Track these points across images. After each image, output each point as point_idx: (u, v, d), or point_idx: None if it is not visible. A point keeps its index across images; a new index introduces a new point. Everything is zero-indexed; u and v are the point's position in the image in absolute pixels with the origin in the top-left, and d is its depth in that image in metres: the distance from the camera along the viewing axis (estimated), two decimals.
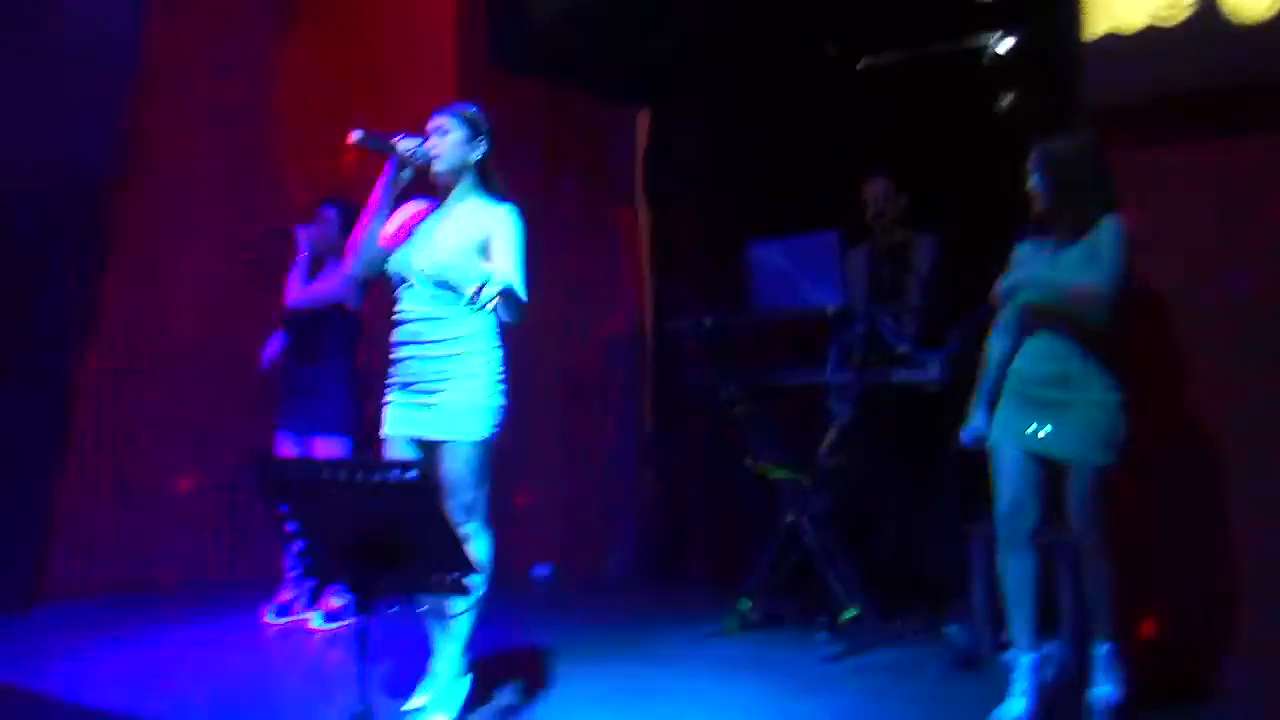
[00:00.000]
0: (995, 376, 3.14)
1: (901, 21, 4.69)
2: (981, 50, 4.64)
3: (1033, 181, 3.06)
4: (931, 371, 3.94)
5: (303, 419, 4.31)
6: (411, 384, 3.06)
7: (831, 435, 4.04)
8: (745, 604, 4.17)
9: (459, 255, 3.01)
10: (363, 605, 2.50)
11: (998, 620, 3.32)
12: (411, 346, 3.05)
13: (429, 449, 3.05)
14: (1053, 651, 3.28)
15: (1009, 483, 3.03)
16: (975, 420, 3.18)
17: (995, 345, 3.18)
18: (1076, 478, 2.97)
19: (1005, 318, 3.15)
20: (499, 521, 3.15)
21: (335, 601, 4.33)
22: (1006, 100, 4.57)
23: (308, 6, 5.43)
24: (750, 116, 5.28)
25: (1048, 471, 3.01)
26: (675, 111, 5.62)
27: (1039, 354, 3.02)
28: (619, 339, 5.69)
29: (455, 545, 2.52)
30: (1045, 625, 3.12)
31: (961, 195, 4.50)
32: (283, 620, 4.34)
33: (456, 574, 2.56)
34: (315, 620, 4.30)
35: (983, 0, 4.39)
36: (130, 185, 4.65)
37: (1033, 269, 3.05)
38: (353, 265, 3.14)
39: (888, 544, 4.40)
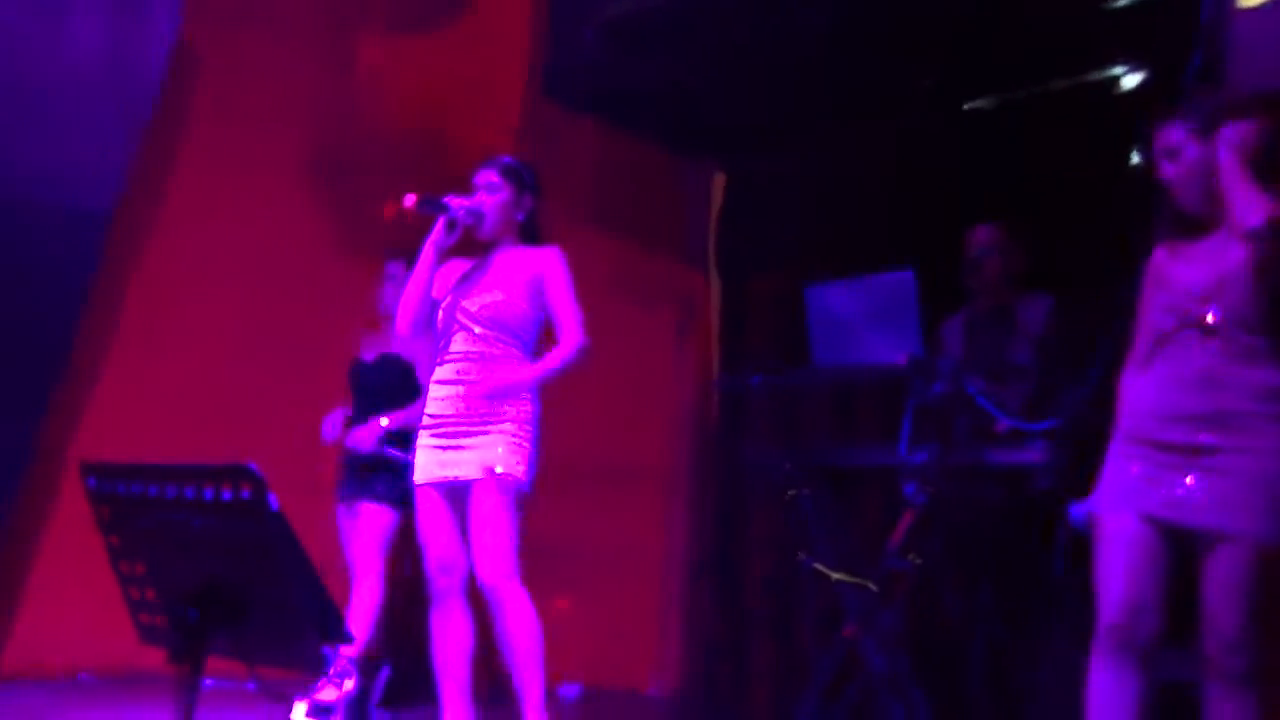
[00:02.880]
0: None
1: (1012, 57, 4.03)
2: (1107, 85, 3.90)
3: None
4: (1035, 452, 3.11)
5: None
6: (447, 426, 2.97)
7: (903, 528, 3.21)
8: None
9: (509, 294, 3.03)
10: (189, 671, 1.84)
11: None
12: (451, 386, 2.99)
13: (460, 496, 2.95)
14: None
15: (1118, 569, 2.19)
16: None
17: (1133, 384, 2.37)
18: (1224, 560, 2.10)
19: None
20: None
21: (328, 693, 3.64)
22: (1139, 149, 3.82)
23: (365, 49, 5.10)
24: (840, 177, 4.65)
25: (1177, 554, 2.16)
26: (754, 173, 5.04)
27: (1182, 383, 2.20)
28: (682, 419, 4.99)
29: (321, 599, 1.85)
30: None
31: (1083, 254, 3.71)
32: None
33: (321, 639, 1.88)
34: (298, 713, 3.59)
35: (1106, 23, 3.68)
36: (137, 222, 4.29)
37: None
38: (401, 325, 3.10)
39: (976, 674, 3.46)
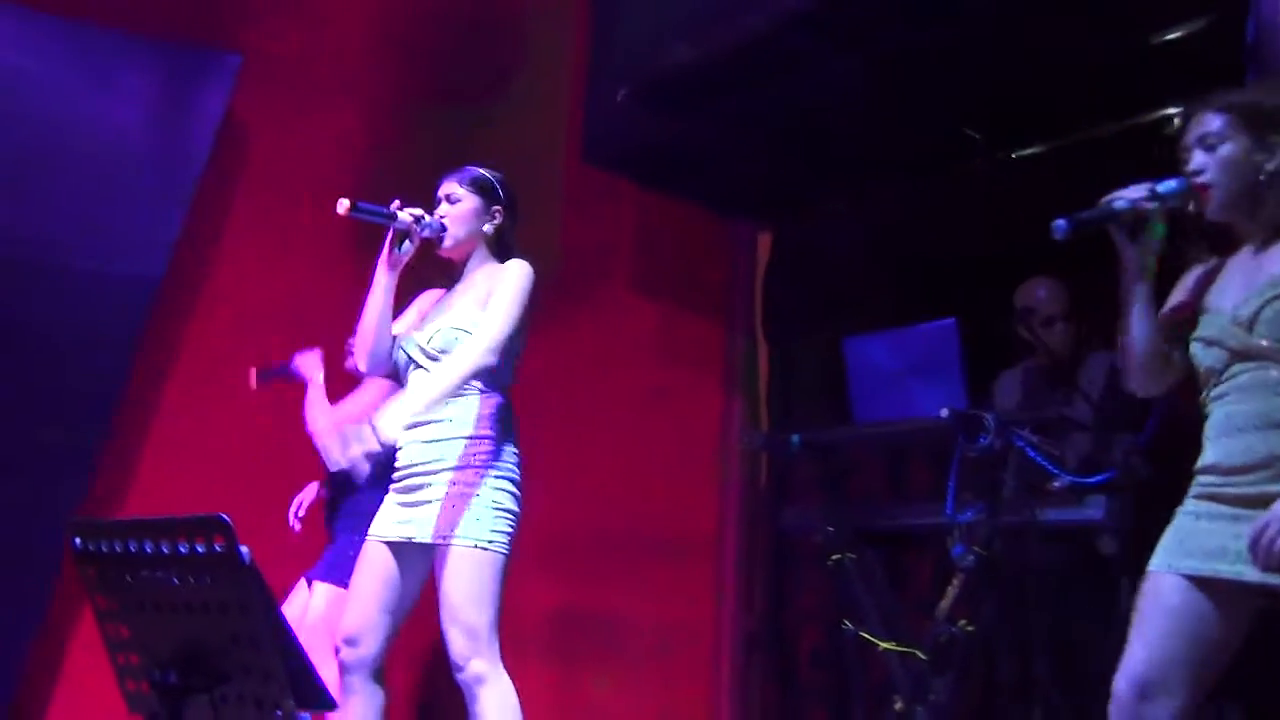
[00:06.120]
0: None
1: (1059, 102, 3.91)
2: (1159, 126, 3.74)
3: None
4: (1093, 510, 2.91)
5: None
6: (408, 477, 2.62)
7: (952, 592, 3.02)
8: None
9: (461, 319, 2.65)
10: None
11: None
12: (408, 432, 2.60)
13: (418, 557, 2.59)
14: None
15: (1151, 633, 1.96)
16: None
17: None
18: None
19: None
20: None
21: None
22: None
23: (410, 124, 5.11)
24: (887, 229, 4.54)
25: (1236, 621, 1.94)
26: (800, 230, 4.95)
27: (1250, 426, 1.96)
28: (730, 484, 4.84)
29: (298, 661, 1.75)
30: None
31: None
32: None
33: (300, 705, 1.78)
34: None
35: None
36: (183, 288, 4.31)
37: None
38: (358, 360, 2.78)
39: None
